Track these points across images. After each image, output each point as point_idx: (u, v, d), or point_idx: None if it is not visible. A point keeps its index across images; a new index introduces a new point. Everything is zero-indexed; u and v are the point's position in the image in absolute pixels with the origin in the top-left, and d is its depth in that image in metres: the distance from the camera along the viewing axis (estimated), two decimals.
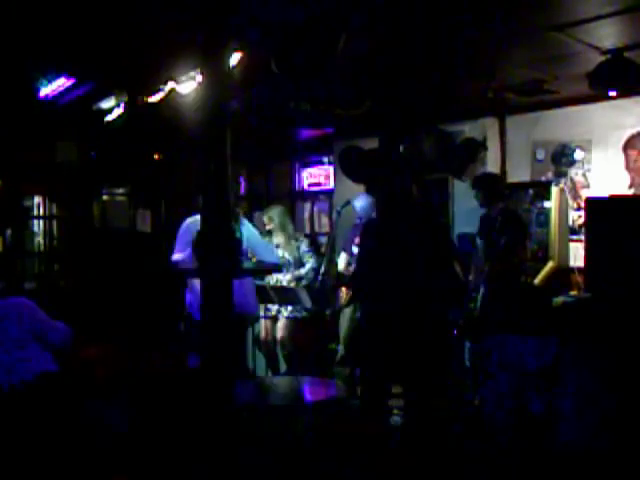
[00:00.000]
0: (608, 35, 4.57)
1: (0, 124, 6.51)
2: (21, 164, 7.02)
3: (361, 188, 7.11)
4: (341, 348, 6.35)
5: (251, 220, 7.07)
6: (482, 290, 5.72)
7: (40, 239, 7.82)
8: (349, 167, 7.93)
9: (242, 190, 9.17)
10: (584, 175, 6.35)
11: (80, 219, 7.48)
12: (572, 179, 6.41)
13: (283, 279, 6.51)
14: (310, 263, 6.58)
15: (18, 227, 7.42)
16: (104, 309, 6.40)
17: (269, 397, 4.42)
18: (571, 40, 4.62)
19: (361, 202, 5.97)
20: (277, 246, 6.56)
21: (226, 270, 3.39)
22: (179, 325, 6.18)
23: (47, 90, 5.68)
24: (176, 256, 5.27)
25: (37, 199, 7.78)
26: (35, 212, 7.83)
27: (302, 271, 6.56)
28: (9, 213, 7.32)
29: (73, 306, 6.33)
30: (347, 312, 6.35)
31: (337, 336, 6.57)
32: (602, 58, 4.87)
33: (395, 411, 4.88)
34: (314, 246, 7.42)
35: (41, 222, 7.80)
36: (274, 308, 6.46)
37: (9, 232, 7.30)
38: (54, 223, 7.72)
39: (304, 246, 6.66)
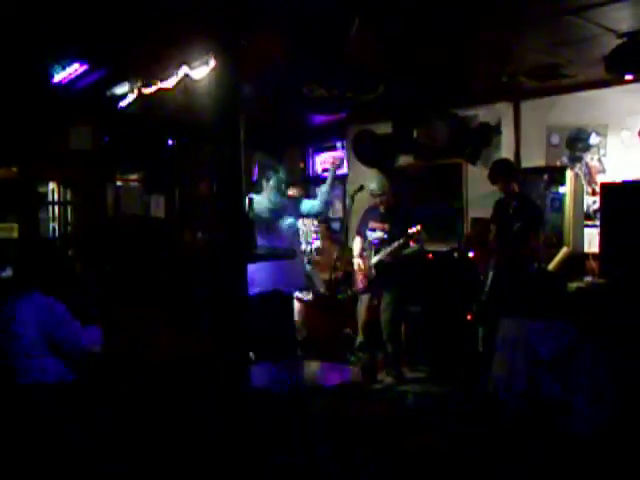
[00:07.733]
0: (625, 18, 4.51)
1: (15, 110, 6.53)
2: (36, 150, 7.03)
3: (375, 173, 7.11)
4: (359, 335, 6.34)
5: None
6: (491, 275, 5.71)
7: (55, 225, 7.87)
8: (362, 152, 7.91)
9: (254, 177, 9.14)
10: (599, 160, 6.30)
11: (94, 205, 7.51)
12: (587, 164, 6.37)
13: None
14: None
15: (33, 213, 7.45)
16: (119, 293, 6.42)
17: (283, 381, 4.43)
18: (587, 23, 4.57)
19: (374, 182, 6.38)
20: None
21: (239, 254, 3.41)
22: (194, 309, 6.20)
23: (61, 76, 5.69)
24: None
25: (52, 185, 7.82)
26: (50, 198, 7.87)
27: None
28: (24, 199, 7.35)
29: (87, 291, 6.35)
30: (364, 299, 6.34)
31: (353, 321, 6.57)
32: (618, 41, 4.81)
33: (409, 395, 4.90)
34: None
35: (56, 208, 7.85)
36: None
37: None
38: (69, 209, 7.77)
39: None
